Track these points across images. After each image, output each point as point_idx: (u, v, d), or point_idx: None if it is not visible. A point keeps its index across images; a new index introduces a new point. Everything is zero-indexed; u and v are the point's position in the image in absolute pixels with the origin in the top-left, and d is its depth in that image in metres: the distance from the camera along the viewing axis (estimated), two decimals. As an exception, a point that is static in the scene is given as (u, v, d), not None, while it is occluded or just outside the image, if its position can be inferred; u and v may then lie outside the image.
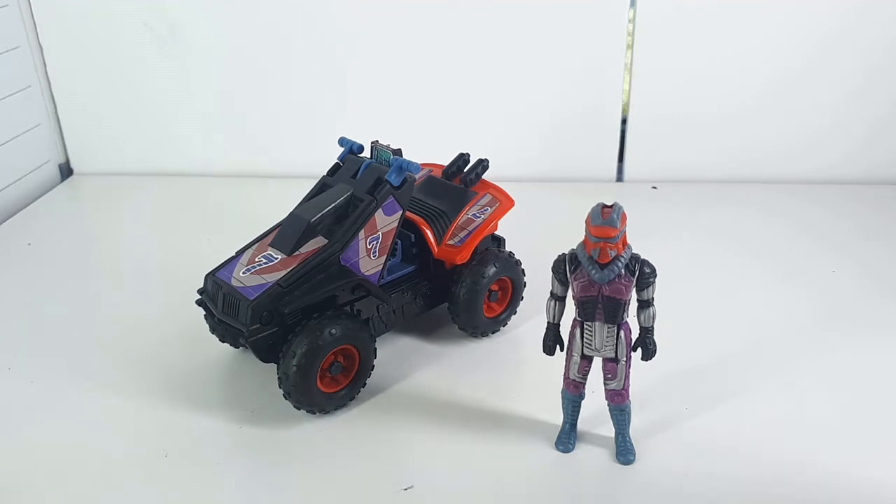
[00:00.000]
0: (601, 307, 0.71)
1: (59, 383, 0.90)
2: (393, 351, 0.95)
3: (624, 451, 0.77)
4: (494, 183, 1.00)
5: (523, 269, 0.98)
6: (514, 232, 1.02)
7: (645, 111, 1.46)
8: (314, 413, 0.83)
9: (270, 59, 1.48)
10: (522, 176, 1.41)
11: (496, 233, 0.99)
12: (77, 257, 1.24)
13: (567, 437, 0.78)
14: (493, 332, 0.98)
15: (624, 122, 1.48)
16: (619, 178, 1.51)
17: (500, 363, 0.93)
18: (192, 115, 1.53)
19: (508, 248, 1.00)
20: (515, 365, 0.93)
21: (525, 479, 0.75)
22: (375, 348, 0.86)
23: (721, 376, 0.89)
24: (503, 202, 0.98)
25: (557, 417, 0.79)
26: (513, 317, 0.99)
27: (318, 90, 1.50)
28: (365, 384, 0.86)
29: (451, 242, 0.93)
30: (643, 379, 0.80)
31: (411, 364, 0.92)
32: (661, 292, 0.74)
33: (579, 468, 0.77)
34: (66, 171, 1.59)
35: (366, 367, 0.85)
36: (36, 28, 1.48)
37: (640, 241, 0.76)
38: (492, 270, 0.93)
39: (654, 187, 1.46)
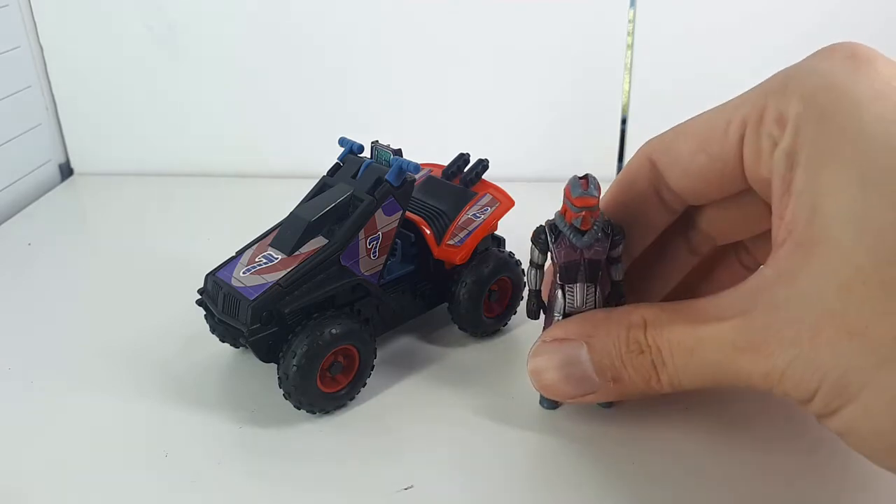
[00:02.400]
0: (583, 269, 0.75)
1: (60, 384, 0.90)
2: (393, 351, 0.95)
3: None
4: (494, 183, 1.00)
5: (523, 270, 0.98)
6: (514, 232, 1.02)
7: (645, 111, 1.46)
8: (314, 413, 0.83)
9: (270, 60, 1.48)
10: (522, 176, 1.41)
11: (496, 233, 0.99)
12: (77, 257, 1.24)
13: None
14: (493, 333, 0.98)
15: (624, 122, 1.48)
16: (620, 177, 1.51)
17: (500, 363, 0.93)
18: (192, 115, 1.53)
19: (508, 248, 1.00)
20: (515, 365, 0.93)
21: (525, 479, 0.75)
22: (375, 348, 0.86)
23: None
24: (503, 202, 0.98)
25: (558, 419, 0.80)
26: (513, 317, 0.99)
27: (319, 90, 1.50)
28: (365, 384, 0.86)
29: (451, 242, 0.93)
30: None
31: (411, 364, 0.92)
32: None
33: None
34: (66, 171, 1.59)
35: (366, 367, 0.85)
36: (36, 28, 1.48)
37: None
38: (491, 270, 0.94)
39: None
